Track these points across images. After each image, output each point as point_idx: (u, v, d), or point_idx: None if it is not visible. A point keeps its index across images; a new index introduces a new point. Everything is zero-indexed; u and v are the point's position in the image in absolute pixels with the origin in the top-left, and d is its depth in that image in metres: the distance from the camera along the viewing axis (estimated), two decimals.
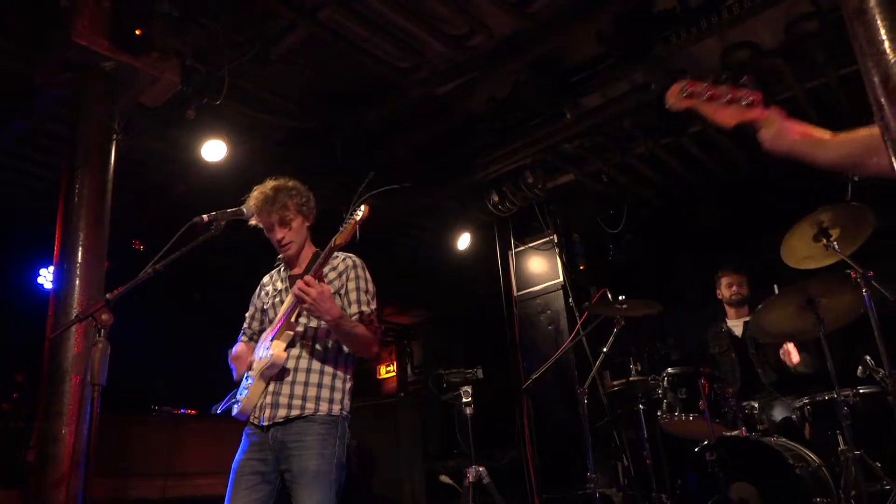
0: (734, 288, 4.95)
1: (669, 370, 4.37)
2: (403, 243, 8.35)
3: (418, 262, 8.31)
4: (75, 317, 2.78)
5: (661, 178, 6.96)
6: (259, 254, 4.28)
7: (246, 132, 5.86)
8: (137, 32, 4.21)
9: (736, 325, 4.95)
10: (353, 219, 2.64)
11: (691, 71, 5.41)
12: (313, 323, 2.82)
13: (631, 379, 4.65)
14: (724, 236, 6.73)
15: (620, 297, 4.61)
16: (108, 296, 2.54)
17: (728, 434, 4.02)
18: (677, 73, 5.42)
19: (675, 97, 2.03)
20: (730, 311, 5.02)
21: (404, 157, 6.61)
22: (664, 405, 4.30)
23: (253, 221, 2.93)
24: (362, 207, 2.65)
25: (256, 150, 6.02)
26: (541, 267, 7.22)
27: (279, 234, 2.91)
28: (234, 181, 5.85)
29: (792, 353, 4.39)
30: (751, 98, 1.96)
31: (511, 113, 6.03)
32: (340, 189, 6.23)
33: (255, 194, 2.93)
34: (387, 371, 10.23)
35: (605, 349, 4.62)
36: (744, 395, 4.46)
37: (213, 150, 5.65)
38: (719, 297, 5.05)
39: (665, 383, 4.33)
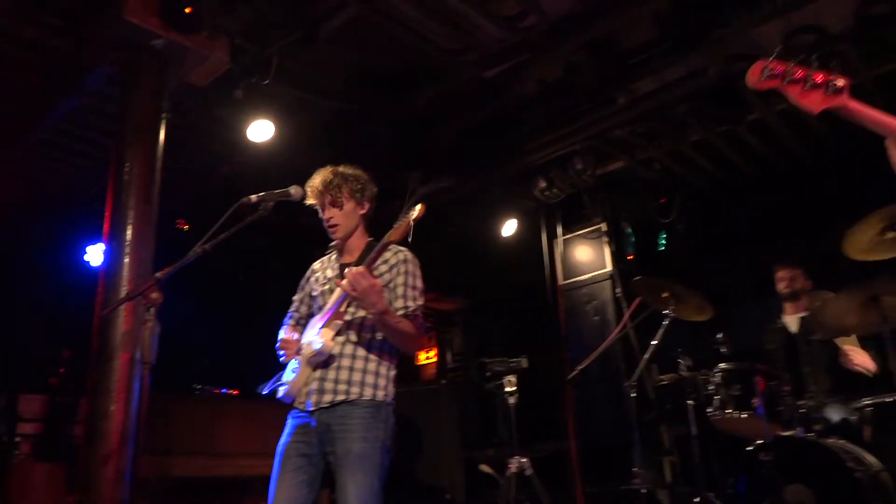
0: (785, 282, 4.87)
1: (723, 366, 4.29)
2: (446, 229, 8.33)
3: (461, 247, 8.28)
4: (126, 295, 2.85)
5: (716, 166, 6.82)
6: (303, 237, 4.33)
7: (290, 113, 5.88)
8: (188, 11, 4.26)
9: (791, 321, 4.85)
10: (408, 217, 2.64)
11: (753, 55, 5.29)
12: (361, 312, 2.85)
13: (681, 373, 4.56)
14: (780, 228, 6.57)
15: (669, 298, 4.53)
16: (157, 274, 2.58)
17: (784, 434, 3.93)
18: (737, 57, 5.29)
19: (757, 77, 1.93)
20: (786, 306, 4.91)
21: (450, 141, 6.59)
22: (716, 402, 4.23)
23: (310, 201, 2.98)
24: (417, 206, 2.65)
25: (301, 132, 6.04)
26: (588, 256, 7.15)
27: (328, 213, 2.97)
28: (278, 162, 5.93)
29: (857, 357, 4.25)
30: (840, 83, 1.87)
31: (561, 97, 5.95)
32: (385, 173, 6.26)
33: (315, 175, 2.99)
34: (426, 357, 10.27)
35: (654, 342, 4.55)
36: (795, 394, 4.35)
37: (261, 131, 5.67)
38: (777, 290, 4.96)
39: (718, 379, 4.25)
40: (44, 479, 5.26)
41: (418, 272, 2.97)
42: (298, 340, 2.96)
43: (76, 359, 6.29)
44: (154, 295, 2.52)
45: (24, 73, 5.25)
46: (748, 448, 4.03)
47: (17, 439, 5.96)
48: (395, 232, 2.67)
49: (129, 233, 3.86)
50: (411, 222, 2.65)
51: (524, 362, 4.96)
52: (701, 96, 5.61)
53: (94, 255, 7.06)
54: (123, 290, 3.64)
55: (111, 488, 3.49)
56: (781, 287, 4.89)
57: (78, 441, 5.55)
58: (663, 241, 7.07)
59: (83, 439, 3.60)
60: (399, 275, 2.92)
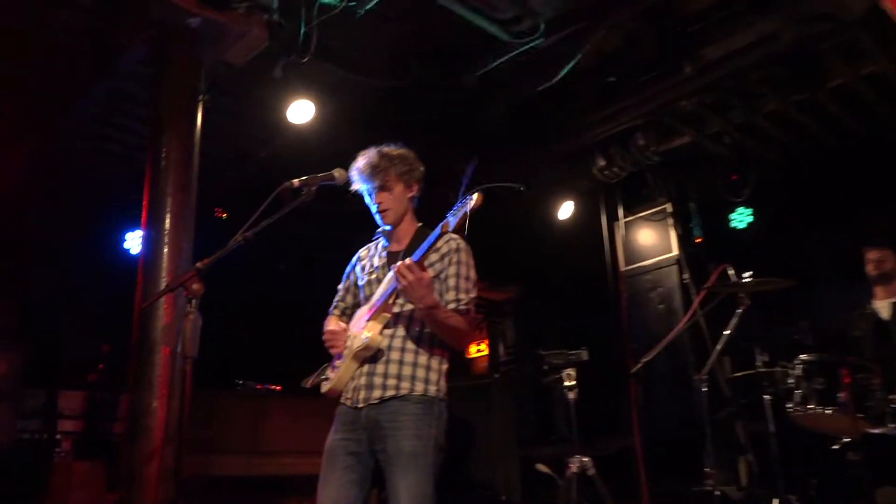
0: (874, 263, 4.76)
1: (804, 357, 4.19)
2: (496, 212, 8.26)
3: (513, 232, 8.22)
4: (166, 286, 2.89)
5: (792, 138, 6.63)
6: (348, 223, 4.35)
7: (332, 93, 5.89)
8: None
9: (883, 306, 4.72)
10: (464, 207, 2.56)
11: (832, 14, 5.11)
12: (410, 304, 2.83)
13: (757, 367, 4.46)
14: (864, 204, 6.37)
15: (745, 275, 4.43)
16: (198, 265, 2.59)
17: (874, 431, 3.82)
18: (815, 18, 5.12)
19: None
20: (876, 290, 4.79)
21: (501, 118, 6.53)
22: (797, 396, 4.13)
23: (356, 186, 2.97)
24: (474, 196, 2.56)
25: (344, 112, 6.06)
26: (652, 239, 7.05)
27: (378, 198, 2.95)
28: (319, 145, 5.94)
29: None
30: None
31: (622, 68, 5.84)
32: (432, 154, 6.23)
33: (359, 160, 2.97)
34: (477, 350, 10.26)
35: (727, 332, 4.46)
36: (887, 387, 4.22)
37: (301, 112, 5.69)
38: (866, 273, 4.83)
39: (798, 371, 4.15)
40: (84, 477, 5.43)
41: (472, 262, 2.93)
42: (346, 331, 2.97)
43: (115, 354, 6.45)
44: (195, 286, 2.53)
45: (55, 57, 5.35)
46: (833, 447, 3.95)
47: (58, 436, 6.16)
48: (448, 223, 2.61)
49: (167, 222, 3.91)
50: (468, 212, 2.57)
51: (584, 354, 4.93)
52: (776, 62, 5.45)
53: (134, 242, 7.21)
54: (163, 281, 3.71)
55: (155, 487, 3.57)
56: (870, 269, 4.78)
57: (118, 438, 5.71)
58: (745, 220, 6.89)
59: (125, 436, 3.67)
60: (451, 265, 2.89)
